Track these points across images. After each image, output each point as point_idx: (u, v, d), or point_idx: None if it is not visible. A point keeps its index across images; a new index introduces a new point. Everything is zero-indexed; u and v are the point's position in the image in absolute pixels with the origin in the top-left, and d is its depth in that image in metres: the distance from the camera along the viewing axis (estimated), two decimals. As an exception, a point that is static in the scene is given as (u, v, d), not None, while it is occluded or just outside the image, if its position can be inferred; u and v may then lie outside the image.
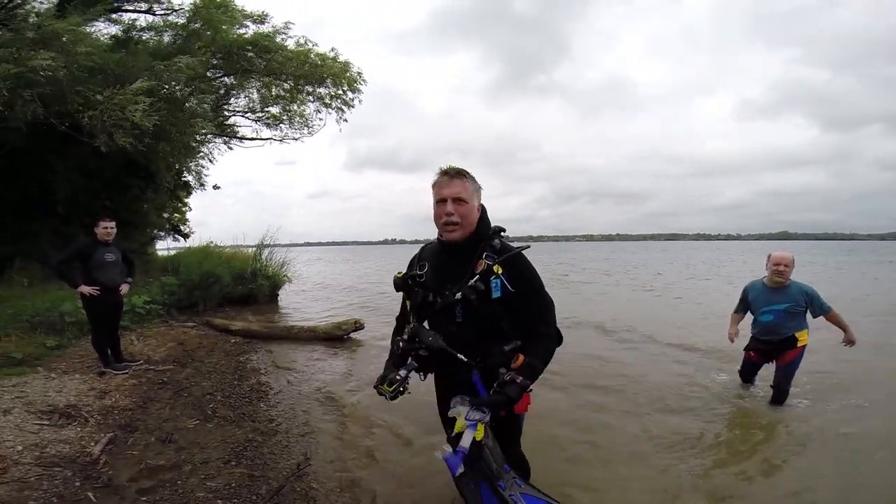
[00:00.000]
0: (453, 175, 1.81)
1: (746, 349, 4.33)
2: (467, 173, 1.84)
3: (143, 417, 3.75)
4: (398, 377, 1.81)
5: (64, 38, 6.15)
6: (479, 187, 1.88)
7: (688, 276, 19.66)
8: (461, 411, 1.67)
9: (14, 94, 5.92)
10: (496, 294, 1.75)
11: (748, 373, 4.48)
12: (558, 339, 1.90)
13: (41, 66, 5.83)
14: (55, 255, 4.73)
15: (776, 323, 3.96)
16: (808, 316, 4.01)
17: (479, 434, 1.63)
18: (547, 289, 1.92)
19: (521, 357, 1.72)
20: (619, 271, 23.00)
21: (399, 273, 2.02)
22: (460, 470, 1.59)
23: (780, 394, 4.08)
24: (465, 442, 1.60)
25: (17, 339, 5.28)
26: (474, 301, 1.75)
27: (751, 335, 4.25)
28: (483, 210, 1.90)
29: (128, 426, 3.54)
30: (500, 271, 1.74)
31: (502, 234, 1.89)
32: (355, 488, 2.86)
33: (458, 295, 1.77)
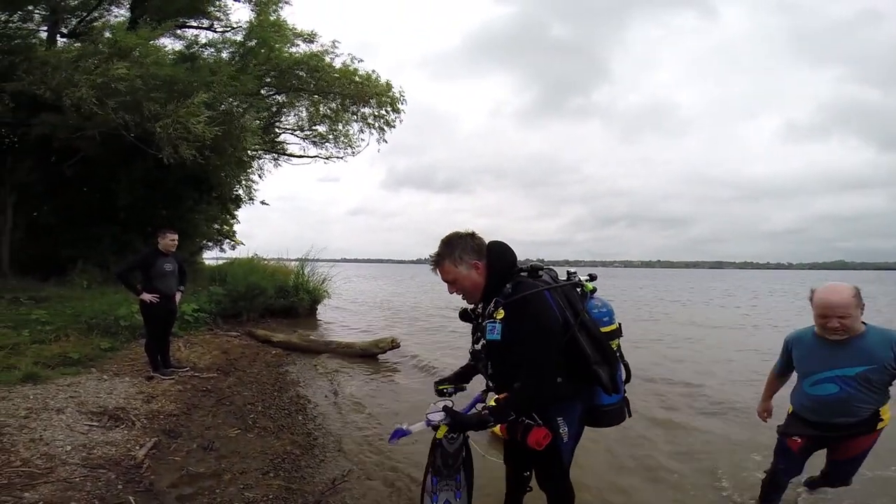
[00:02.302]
0: (434, 265, 1.96)
1: (785, 434, 2.50)
2: (443, 252, 1.91)
3: (186, 424, 3.78)
4: (448, 393, 2.15)
5: (136, 52, 6.59)
6: (467, 248, 1.89)
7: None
8: (431, 409, 1.92)
9: (102, 103, 6.38)
10: (490, 336, 1.82)
11: (787, 473, 2.61)
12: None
13: (119, 75, 6.27)
14: (120, 265, 4.99)
15: (845, 398, 2.24)
16: None
17: (440, 434, 1.86)
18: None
19: (503, 395, 1.79)
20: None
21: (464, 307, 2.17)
22: (394, 442, 1.91)
23: (835, 480, 2.65)
24: (413, 427, 1.89)
25: (75, 340, 5.52)
26: (481, 341, 1.92)
27: (791, 411, 2.51)
28: (493, 257, 1.91)
29: (171, 431, 3.56)
30: (499, 316, 1.80)
31: (539, 272, 1.91)
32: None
33: (478, 334, 1.95)
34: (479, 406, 1.93)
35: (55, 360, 4.76)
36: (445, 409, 1.87)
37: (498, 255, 1.92)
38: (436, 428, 1.86)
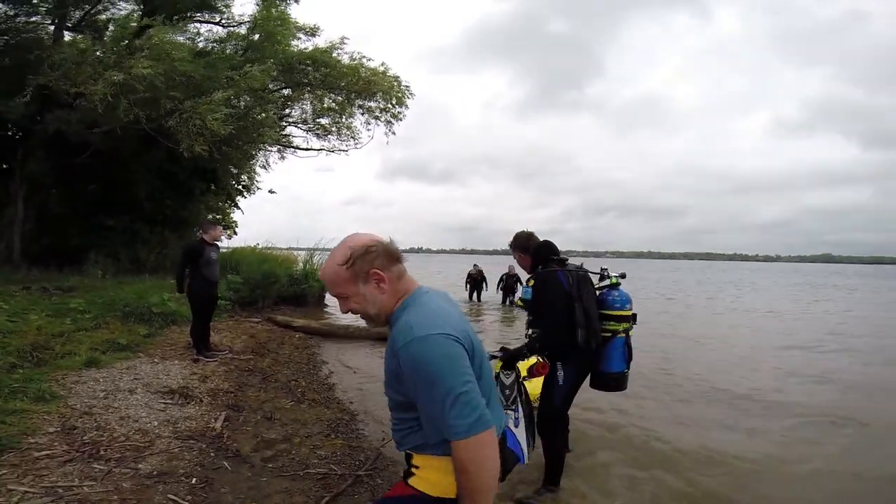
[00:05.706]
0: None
1: None
2: (510, 243, 3.09)
3: (244, 399, 4.20)
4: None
5: (168, 48, 6.80)
6: (517, 245, 3.03)
7: None
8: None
9: (117, 100, 6.60)
10: (524, 296, 2.87)
11: None
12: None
13: (142, 74, 6.49)
14: (179, 264, 5.38)
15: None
16: None
17: (496, 368, 2.26)
18: None
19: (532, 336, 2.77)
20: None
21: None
22: None
23: None
24: None
25: (115, 327, 5.86)
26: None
27: None
28: (537, 250, 2.92)
29: (234, 406, 3.98)
30: (530, 284, 2.80)
31: (567, 262, 2.85)
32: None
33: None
34: None
35: (106, 346, 5.10)
36: (502, 349, 2.54)
37: (539, 249, 2.93)
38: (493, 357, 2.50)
